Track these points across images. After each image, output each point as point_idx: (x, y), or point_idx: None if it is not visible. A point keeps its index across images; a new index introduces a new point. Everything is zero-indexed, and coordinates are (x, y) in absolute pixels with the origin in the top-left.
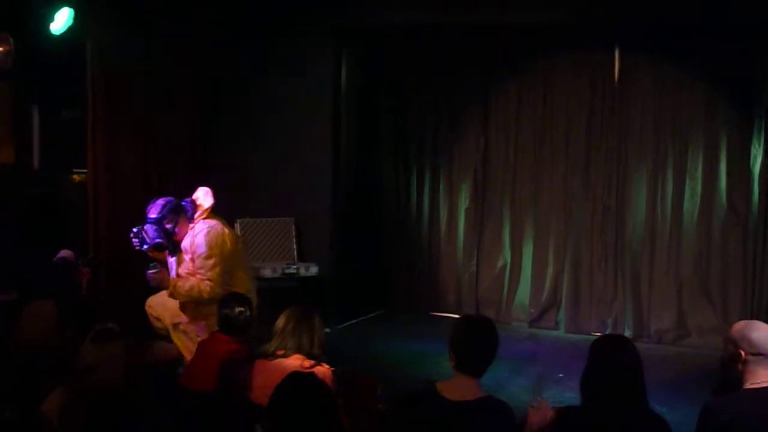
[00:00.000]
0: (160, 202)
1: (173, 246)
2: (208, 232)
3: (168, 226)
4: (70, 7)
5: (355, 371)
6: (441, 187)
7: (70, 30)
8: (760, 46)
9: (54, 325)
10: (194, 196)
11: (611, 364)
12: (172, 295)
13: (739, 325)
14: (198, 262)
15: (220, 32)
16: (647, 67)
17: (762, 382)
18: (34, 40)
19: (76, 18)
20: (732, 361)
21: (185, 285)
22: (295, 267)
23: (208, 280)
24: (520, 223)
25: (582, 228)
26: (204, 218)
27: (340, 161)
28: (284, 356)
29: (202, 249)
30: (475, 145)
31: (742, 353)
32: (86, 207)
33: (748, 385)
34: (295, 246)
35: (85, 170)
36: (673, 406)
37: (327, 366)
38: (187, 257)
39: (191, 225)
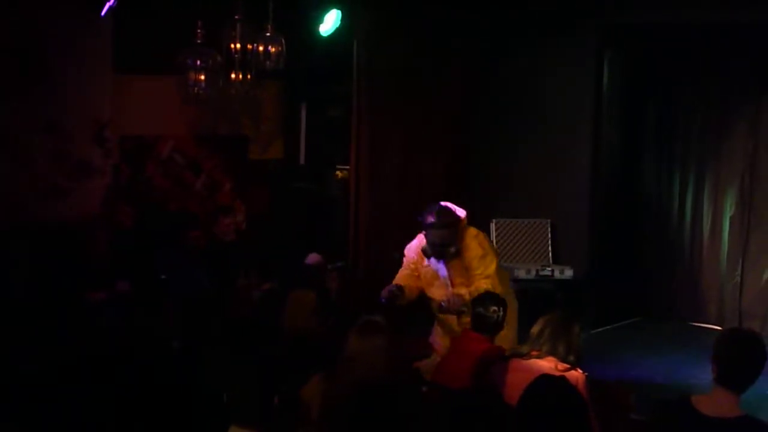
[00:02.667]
0: (449, 206)
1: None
2: (477, 235)
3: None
4: (339, 9)
5: (608, 378)
6: (705, 191)
7: (338, 31)
8: None
9: (314, 314)
10: (449, 205)
11: None
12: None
13: None
14: (475, 263)
15: (484, 34)
16: None
17: None
18: (304, 41)
19: (343, 20)
20: None
21: (473, 292)
22: (549, 269)
23: (486, 278)
24: None
25: None
26: (464, 226)
27: (599, 162)
28: (538, 357)
29: (477, 250)
30: (743, 149)
31: None
32: (347, 203)
33: None
34: (550, 248)
35: (347, 167)
36: None
37: (581, 371)
38: (458, 264)
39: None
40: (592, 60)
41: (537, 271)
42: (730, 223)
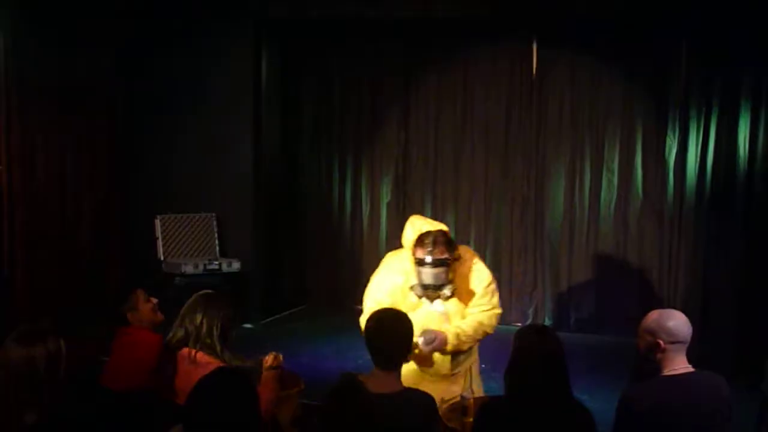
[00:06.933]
0: (442, 239)
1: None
2: (478, 258)
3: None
4: None
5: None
6: (363, 181)
7: None
8: (674, 39)
9: None
10: (423, 228)
11: (533, 354)
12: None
13: (654, 315)
14: (480, 292)
15: (139, 26)
16: (564, 60)
17: (679, 368)
18: None
19: None
20: (650, 352)
21: (469, 329)
22: (217, 263)
23: (495, 309)
24: (442, 216)
25: (502, 220)
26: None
27: (261, 156)
28: (204, 352)
29: (483, 275)
30: (396, 139)
31: (661, 343)
32: (1, 207)
33: (666, 372)
34: (217, 242)
35: None
36: (594, 393)
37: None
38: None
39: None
40: (250, 52)
41: (205, 265)
42: (388, 209)
